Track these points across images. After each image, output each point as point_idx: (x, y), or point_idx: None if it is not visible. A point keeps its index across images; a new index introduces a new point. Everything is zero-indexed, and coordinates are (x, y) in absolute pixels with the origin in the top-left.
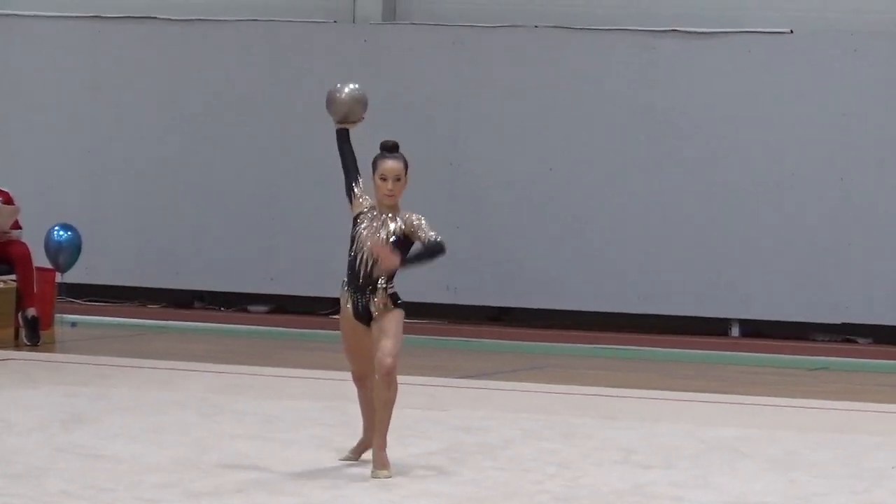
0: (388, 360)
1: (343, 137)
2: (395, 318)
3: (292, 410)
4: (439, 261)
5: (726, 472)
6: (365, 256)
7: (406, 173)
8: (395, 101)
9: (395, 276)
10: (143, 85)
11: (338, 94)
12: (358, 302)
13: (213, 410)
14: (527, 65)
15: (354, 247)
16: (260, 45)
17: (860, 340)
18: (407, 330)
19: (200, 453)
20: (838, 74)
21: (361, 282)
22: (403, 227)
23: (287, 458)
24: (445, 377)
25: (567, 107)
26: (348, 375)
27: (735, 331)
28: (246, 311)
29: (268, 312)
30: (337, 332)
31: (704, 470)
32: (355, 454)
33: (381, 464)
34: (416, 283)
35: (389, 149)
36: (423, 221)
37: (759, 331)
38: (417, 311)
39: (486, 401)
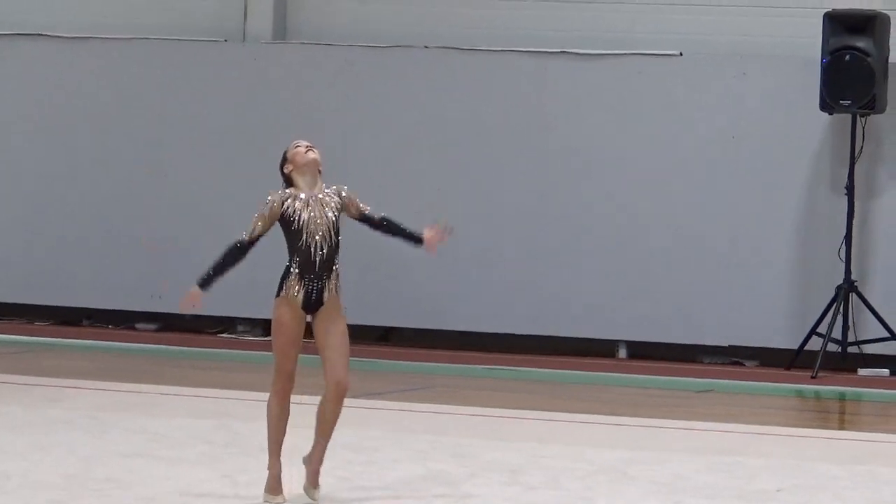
0: (346, 380)
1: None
2: (344, 326)
3: (180, 428)
4: None
5: (613, 494)
6: (318, 242)
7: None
8: (285, 120)
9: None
10: (32, 102)
11: None
12: (312, 290)
13: (101, 428)
14: (416, 85)
15: (303, 236)
16: (150, 63)
17: (746, 363)
18: None
19: (89, 471)
20: (727, 97)
21: (318, 268)
22: (339, 199)
23: (174, 475)
24: None
25: (456, 127)
26: (236, 394)
27: (622, 352)
28: (134, 328)
29: (156, 330)
30: (224, 350)
31: (591, 492)
32: (275, 490)
33: (317, 483)
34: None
35: None
36: (349, 192)
37: (647, 352)
38: (306, 331)
39: (375, 421)
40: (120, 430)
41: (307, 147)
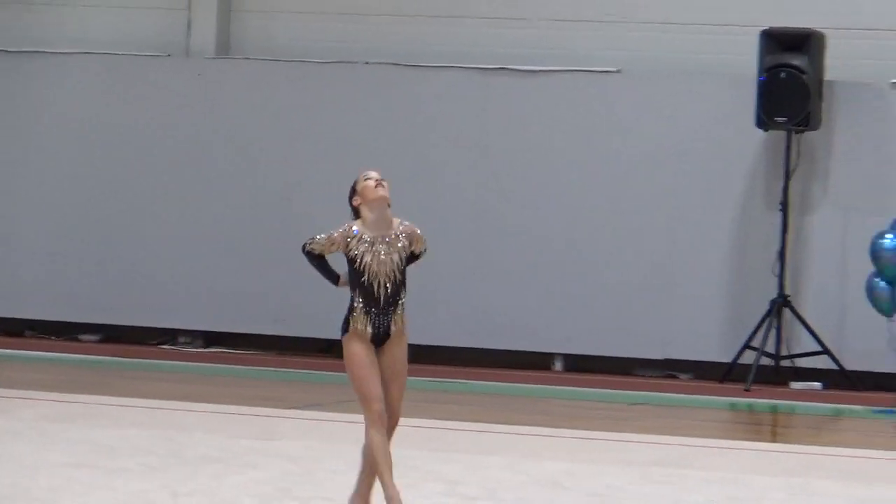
0: (399, 412)
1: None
2: (405, 359)
3: (122, 439)
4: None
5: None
6: (381, 281)
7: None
8: (228, 135)
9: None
10: None
11: None
12: (379, 325)
13: (44, 439)
14: (358, 100)
15: (366, 275)
16: (95, 77)
17: (681, 376)
18: (235, 360)
19: (32, 480)
20: (665, 113)
21: (383, 304)
22: (407, 242)
23: (116, 486)
24: (276, 408)
25: (397, 142)
26: (177, 405)
27: (558, 365)
28: (77, 340)
29: (98, 342)
30: (166, 361)
31: (528, 503)
32: None
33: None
34: (244, 315)
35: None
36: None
37: (583, 366)
38: (246, 343)
39: (315, 431)
40: (64, 441)
41: (377, 182)
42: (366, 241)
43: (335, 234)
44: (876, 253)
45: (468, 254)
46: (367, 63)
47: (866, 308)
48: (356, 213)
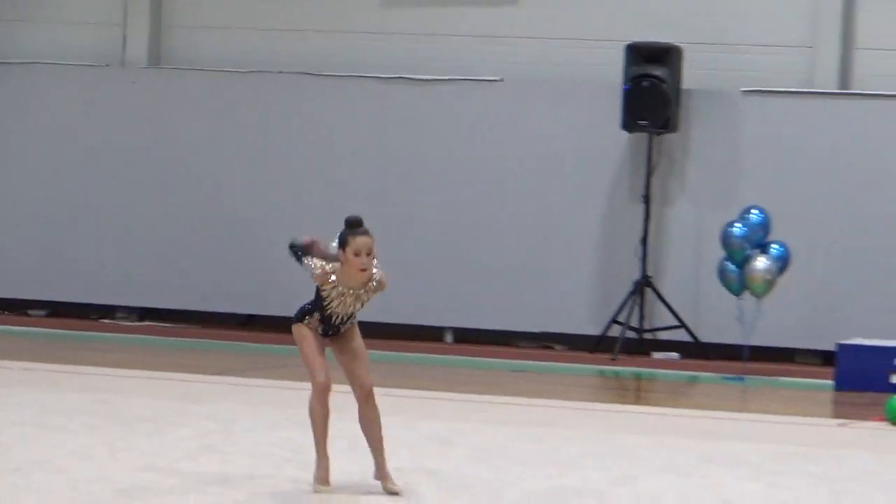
0: (370, 382)
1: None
2: (360, 340)
3: (66, 402)
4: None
5: (439, 458)
6: (341, 317)
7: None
8: (160, 135)
9: None
10: None
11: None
12: (328, 330)
13: None
14: (271, 105)
15: (328, 311)
16: (42, 84)
17: (556, 347)
18: (166, 333)
19: None
20: (541, 117)
21: (337, 325)
22: (371, 290)
23: (61, 442)
24: (200, 374)
25: (304, 142)
26: (115, 371)
27: (449, 337)
28: (26, 314)
29: (45, 316)
30: (105, 333)
31: (421, 457)
32: (324, 480)
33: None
34: (173, 292)
35: (357, 224)
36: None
37: (470, 338)
38: (175, 318)
39: (234, 395)
40: (14, 404)
41: (362, 266)
42: (338, 289)
43: (318, 271)
44: (726, 240)
45: (386, 241)
46: (280, 72)
47: (718, 288)
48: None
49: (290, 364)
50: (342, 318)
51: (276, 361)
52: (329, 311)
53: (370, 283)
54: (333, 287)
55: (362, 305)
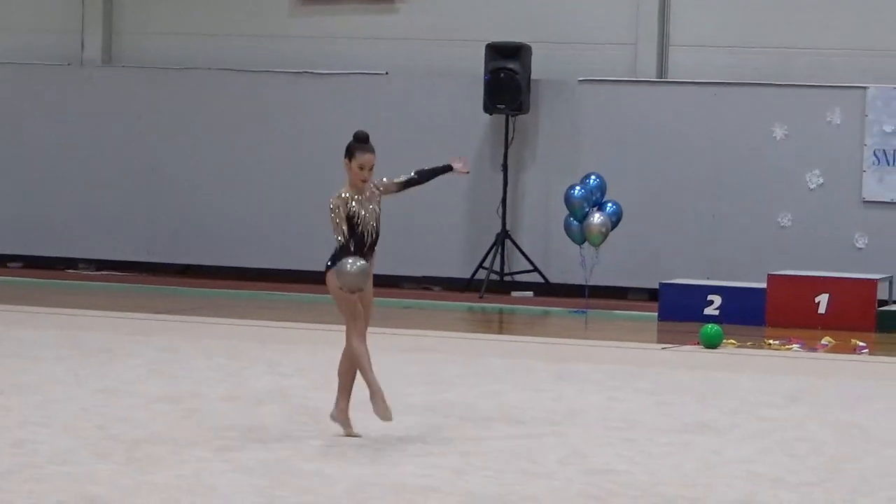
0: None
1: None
2: (372, 296)
3: (38, 337)
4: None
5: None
6: (369, 230)
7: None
8: (112, 122)
9: None
10: None
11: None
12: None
13: None
14: (202, 100)
15: (359, 227)
16: (11, 81)
17: (434, 288)
18: (120, 280)
19: None
20: (421, 103)
21: (367, 249)
22: (378, 193)
23: (36, 370)
24: (148, 313)
25: (231, 129)
26: (81, 312)
27: None
28: (6, 266)
29: (21, 268)
30: (70, 281)
31: (327, 377)
32: (350, 425)
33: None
34: (125, 247)
35: (365, 139)
36: (383, 178)
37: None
38: (127, 267)
39: (178, 330)
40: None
41: (364, 180)
42: (356, 200)
43: (339, 207)
44: (568, 200)
45: (295, 203)
46: (209, 69)
47: (563, 239)
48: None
49: (222, 305)
50: (372, 234)
51: (211, 303)
52: (360, 228)
53: (376, 189)
54: (352, 200)
55: (379, 210)
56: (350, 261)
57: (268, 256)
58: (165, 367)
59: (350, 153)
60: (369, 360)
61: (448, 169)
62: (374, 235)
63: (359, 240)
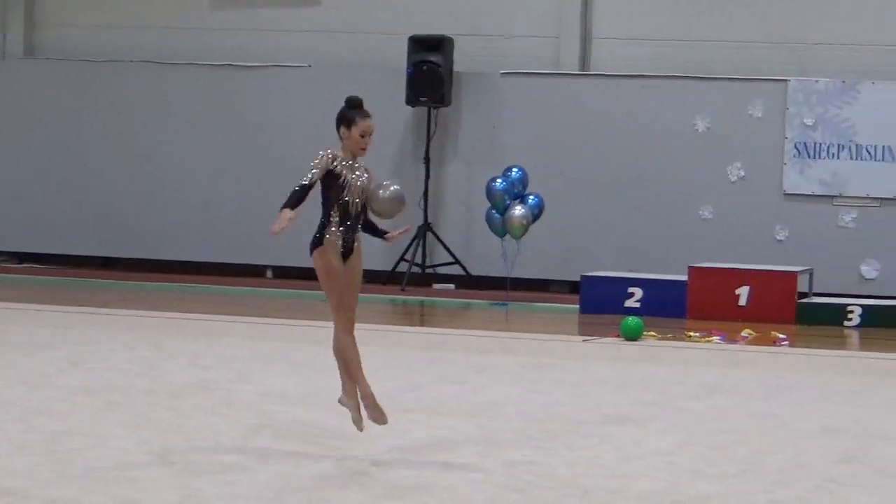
0: (354, 312)
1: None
2: (361, 268)
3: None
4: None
5: (263, 371)
6: (354, 198)
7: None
8: (33, 110)
9: None
10: None
11: (381, 194)
12: (347, 241)
13: None
14: (124, 93)
15: (346, 193)
16: None
17: None
18: (39, 272)
19: None
20: (344, 95)
21: (352, 221)
22: (367, 175)
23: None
24: (70, 306)
25: (152, 119)
26: (4, 304)
27: (269, 273)
28: None
29: None
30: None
31: (249, 370)
32: (358, 409)
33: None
34: (45, 240)
35: (360, 106)
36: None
37: (288, 274)
38: (47, 260)
39: (98, 323)
40: None
41: (364, 148)
42: (345, 164)
43: (324, 157)
44: (490, 193)
45: (208, 192)
46: (131, 61)
47: (485, 231)
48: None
49: (144, 298)
50: (357, 205)
51: (131, 295)
52: (347, 197)
53: (366, 172)
54: (341, 163)
55: (364, 187)
56: (385, 183)
57: (189, 249)
58: (86, 360)
59: (348, 121)
60: (358, 356)
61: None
62: (359, 208)
63: (344, 208)
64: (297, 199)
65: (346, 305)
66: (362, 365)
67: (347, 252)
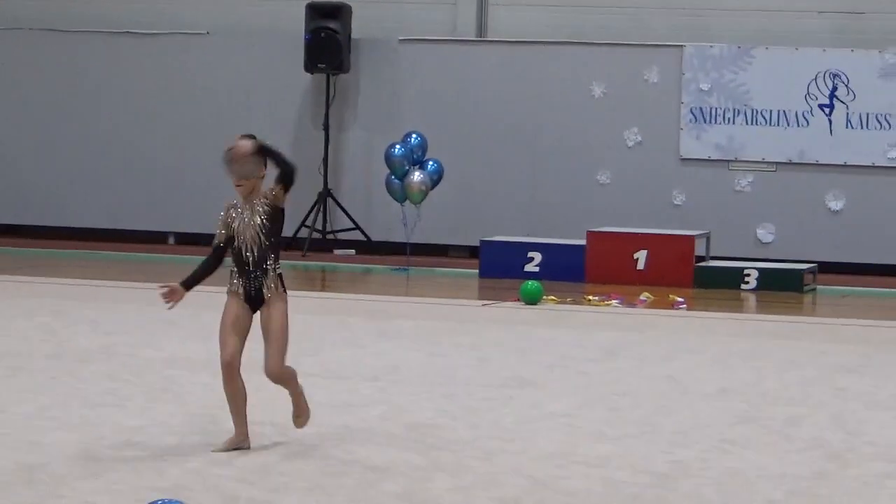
0: (273, 368)
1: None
2: (283, 315)
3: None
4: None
5: (181, 340)
6: (247, 244)
7: (256, 164)
8: None
9: (279, 258)
10: None
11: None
12: (250, 287)
13: None
14: (19, 60)
15: (236, 240)
16: None
17: None
18: None
19: None
20: (243, 63)
21: (250, 267)
22: (266, 201)
23: None
24: None
25: (46, 89)
26: None
27: (171, 240)
28: None
29: None
30: None
31: (152, 335)
32: (229, 446)
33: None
34: None
35: (226, 156)
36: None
37: (190, 240)
38: None
39: (16, 290)
40: None
41: (242, 194)
42: (238, 208)
43: (222, 219)
44: (389, 159)
45: (117, 163)
46: (30, 29)
47: (385, 197)
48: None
49: (47, 264)
50: (253, 252)
51: (33, 262)
52: (237, 244)
53: (265, 193)
54: (232, 208)
55: (264, 225)
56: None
57: (91, 216)
58: (11, 323)
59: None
60: (233, 400)
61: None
62: (255, 251)
63: (237, 255)
64: (199, 273)
65: (226, 350)
66: (239, 412)
67: (257, 298)
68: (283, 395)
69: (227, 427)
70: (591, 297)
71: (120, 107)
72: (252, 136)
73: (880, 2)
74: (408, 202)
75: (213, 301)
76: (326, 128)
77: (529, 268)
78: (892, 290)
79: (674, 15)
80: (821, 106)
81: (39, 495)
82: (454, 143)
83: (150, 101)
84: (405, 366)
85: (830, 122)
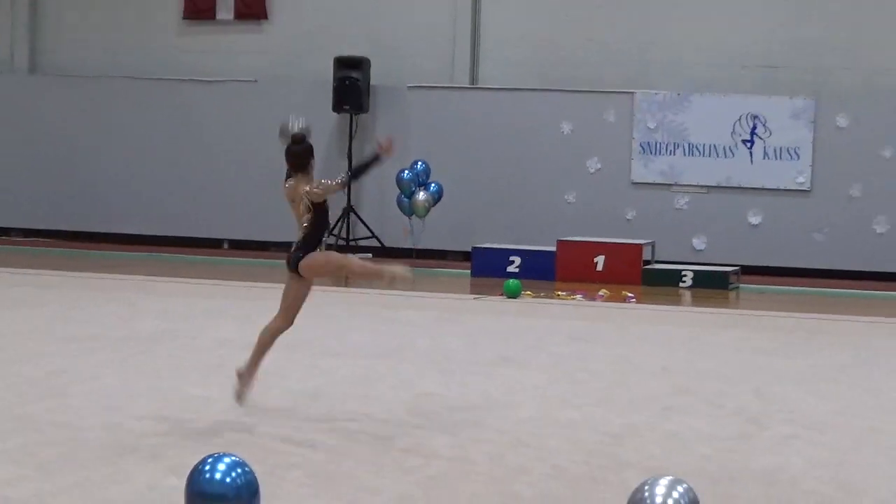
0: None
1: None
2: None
3: None
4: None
5: (209, 326)
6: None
7: (301, 165)
8: (36, 130)
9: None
10: None
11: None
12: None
13: None
14: (105, 105)
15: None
16: None
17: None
18: (38, 244)
19: None
20: (283, 105)
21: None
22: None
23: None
24: (57, 271)
25: (135, 128)
26: (8, 270)
27: (226, 245)
28: None
29: None
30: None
31: (209, 323)
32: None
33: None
34: (44, 217)
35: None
36: (321, 180)
37: (243, 245)
38: (45, 234)
39: (95, 285)
40: None
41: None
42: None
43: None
44: (399, 181)
45: (183, 186)
46: (111, 77)
47: (396, 212)
48: (299, 169)
49: (123, 264)
50: (299, 218)
51: (114, 263)
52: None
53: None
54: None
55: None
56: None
57: (156, 225)
58: (72, 314)
59: (312, 152)
60: (269, 346)
61: (376, 158)
62: (300, 218)
63: (327, 226)
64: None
65: (288, 315)
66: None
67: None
68: (322, 367)
69: (269, 395)
70: (560, 293)
71: (189, 141)
72: (302, 137)
73: (791, 58)
74: (414, 216)
75: (252, 294)
76: (350, 158)
77: (511, 269)
78: (801, 287)
79: (627, 68)
80: (743, 141)
81: (121, 446)
82: (452, 168)
83: (211, 135)
84: (412, 347)
85: (751, 153)
